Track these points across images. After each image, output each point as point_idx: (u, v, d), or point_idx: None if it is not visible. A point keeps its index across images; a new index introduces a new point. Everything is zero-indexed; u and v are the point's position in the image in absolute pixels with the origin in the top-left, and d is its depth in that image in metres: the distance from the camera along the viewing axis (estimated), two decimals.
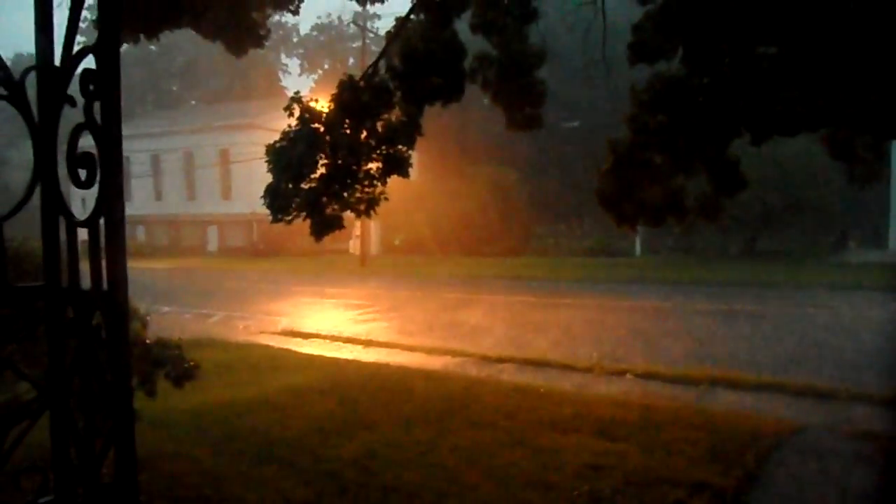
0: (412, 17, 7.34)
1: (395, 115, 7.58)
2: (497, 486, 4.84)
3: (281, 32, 52.66)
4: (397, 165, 7.67)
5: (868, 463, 5.52)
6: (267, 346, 11.50)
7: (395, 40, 7.48)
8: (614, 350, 10.38)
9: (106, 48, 1.35)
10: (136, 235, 41.73)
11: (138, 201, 42.75)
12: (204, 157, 39.22)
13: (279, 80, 55.35)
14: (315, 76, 55.52)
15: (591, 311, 15.25)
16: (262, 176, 8.09)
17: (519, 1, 7.52)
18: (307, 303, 18.18)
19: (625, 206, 8.73)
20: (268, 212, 7.85)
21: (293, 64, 58.83)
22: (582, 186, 27.71)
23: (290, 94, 7.91)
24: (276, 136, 7.65)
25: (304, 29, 57.31)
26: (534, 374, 9.07)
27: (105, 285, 1.38)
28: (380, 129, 7.51)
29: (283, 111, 7.75)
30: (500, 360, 9.84)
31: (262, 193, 7.80)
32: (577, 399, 7.34)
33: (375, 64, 7.60)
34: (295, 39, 56.99)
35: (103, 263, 1.36)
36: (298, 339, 12.30)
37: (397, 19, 7.65)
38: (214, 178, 39.43)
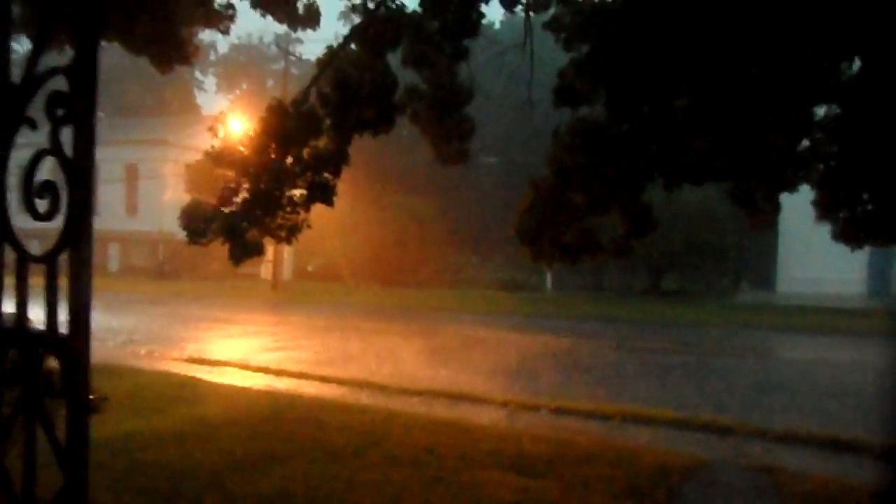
0: (346, 46, 7.35)
1: (322, 142, 7.51)
2: None
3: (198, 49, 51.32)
4: (322, 193, 7.58)
5: (766, 495, 5.82)
6: (172, 374, 10.95)
7: (326, 68, 7.45)
8: (527, 384, 10.54)
9: (82, 69, 1.26)
10: (32, 250, 39.07)
11: (28, 215, 40.04)
12: (108, 172, 37.42)
13: (194, 98, 53.79)
14: (231, 96, 54.34)
15: (502, 344, 15.45)
16: (172, 194, 7.82)
17: (451, 39, 7.68)
18: (215, 329, 17.49)
19: (542, 243, 8.96)
20: (175, 231, 7.55)
21: (209, 82, 57.36)
22: (498, 221, 28.31)
23: (205, 111, 7.75)
24: (188, 154, 7.43)
25: (223, 48, 56.15)
26: (449, 407, 9.06)
27: (63, 329, 1.28)
28: (306, 156, 7.42)
29: (196, 129, 7.57)
30: (415, 393, 9.78)
31: (170, 212, 7.51)
32: (494, 434, 7.38)
33: (307, 91, 7.53)
34: (213, 57, 55.70)
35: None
36: (206, 367, 11.79)
37: (329, 47, 7.65)
38: (119, 194, 37.63)
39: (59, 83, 1.27)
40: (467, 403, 9.22)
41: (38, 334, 1.31)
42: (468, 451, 6.57)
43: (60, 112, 1.27)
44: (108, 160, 38.30)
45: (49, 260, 1.28)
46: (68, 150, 1.28)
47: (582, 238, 8.85)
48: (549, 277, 31.23)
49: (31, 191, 1.26)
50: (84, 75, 1.27)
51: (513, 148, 30.18)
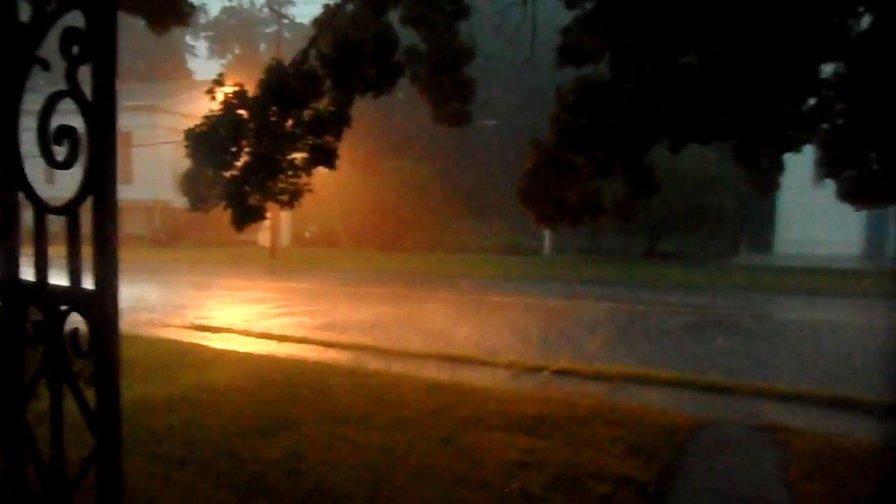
0: (345, 6, 7.17)
1: (323, 104, 7.39)
2: (428, 485, 4.80)
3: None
4: (324, 157, 7.49)
5: (771, 452, 5.88)
6: (175, 341, 10.97)
7: (326, 28, 7.28)
8: (529, 346, 10.59)
9: (100, 1, 1.17)
10: (25, 219, 38.95)
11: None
12: None
13: (186, 63, 52.98)
14: (224, 60, 53.50)
15: (503, 307, 15.50)
16: (167, 161, 7.73)
17: None
18: (215, 295, 17.50)
19: (545, 205, 8.90)
20: (171, 198, 7.51)
21: (201, 46, 56.42)
22: (497, 185, 28.19)
23: (197, 77, 7.58)
24: (183, 120, 7.30)
25: (214, 11, 55.12)
26: (453, 370, 9.10)
27: (82, 284, 1.22)
28: (307, 119, 7.30)
29: (189, 94, 7.46)
30: (419, 357, 9.82)
31: (166, 179, 7.46)
32: (498, 396, 7.41)
33: (306, 51, 7.37)
34: (203, 21, 54.73)
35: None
36: (208, 334, 11.81)
37: (326, 6, 7.46)
38: None
39: (73, 19, 1.18)
40: (471, 366, 9.26)
41: (60, 291, 1.25)
42: (473, 413, 6.60)
43: (77, 50, 1.19)
44: None
45: (70, 211, 1.22)
46: (87, 92, 1.20)
47: (585, 200, 8.79)
48: (547, 241, 31.24)
49: (47, 137, 1.19)
50: (103, 6, 1.18)
51: (513, 110, 29.87)
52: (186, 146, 7.14)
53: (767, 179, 9.73)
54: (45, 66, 1.22)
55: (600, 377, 8.52)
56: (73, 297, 1.24)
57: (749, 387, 8.00)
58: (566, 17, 8.14)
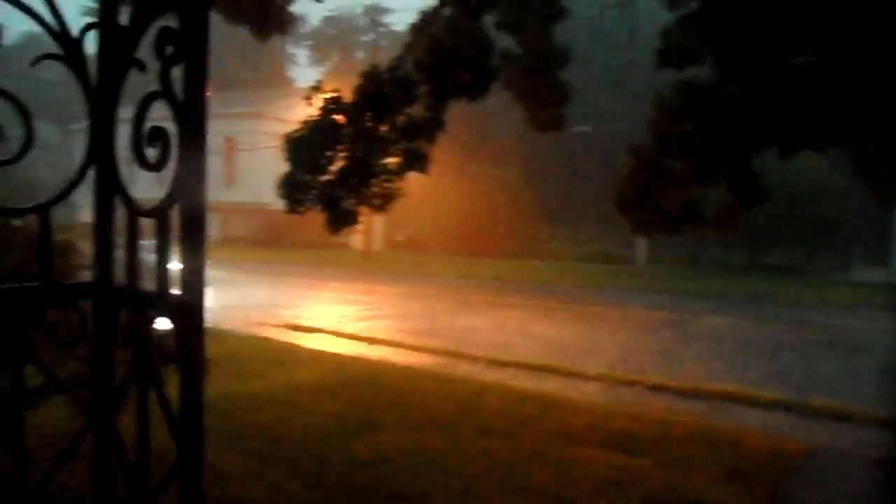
0: (441, 11, 7.18)
1: (417, 109, 7.41)
2: (514, 498, 4.67)
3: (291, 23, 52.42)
4: (417, 161, 7.51)
5: (884, 490, 5.37)
6: (269, 339, 11.33)
7: (421, 34, 7.31)
8: (623, 359, 10.23)
9: (194, 1, 1.16)
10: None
11: (141, 185, 42.38)
12: (210, 145, 39.05)
13: (287, 71, 55.12)
14: (323, 68, 55.28)
15: (597, 317, 15.08)
16: (268, 165, 7.94)
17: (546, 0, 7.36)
18: (309, 296, 17.99)
19: (642, 213, 8.58)
20: (270, 201, 7.70)
21: (301, 55, 58.55)
22: (590, 192, 27.65)
23: (297, 84, 7.75)
24: (283, 126, 7.48)
25: (314, 21, 57.00)
26: (542, 380, 8.91)
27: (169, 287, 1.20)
28: (401, 124, 7.34)
29: (289, 101, 7.62)
30: (508, 364, 9.68)
31: (266, 182, 7.66)
32: (589, 409, 7.18)
33: (401, 56, 7.43)
34: (304, 31, 56.81)
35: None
36: (301, 333, 12.14)
37: (423, 12, 7.49)
38: (219, 166, 39.24)
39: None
40: (561, 377, 9.04)
41: (149, 294, 1.24)
42: (563, 426, 6.41)
43: (171, 50, 1.18)
44: (210, 133, 39.98)
45: (160, 214, 1.20)
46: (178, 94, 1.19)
47: (684, 208, 8.40)
48: (641, 250, 30.29)
49: (141, 138, 1.18)
50: (196, 7, 1.17)
51: (610, 116, 29.21)
52: (285, 150, 7.35)
53: (888, 189, 9.00)
54: (142, 67, 1.21)
55: (699, 395, 8.10)
56: (162, 302, 1.22)
57: (865, 414, 7.37)
58: (666, 18, 7.82)
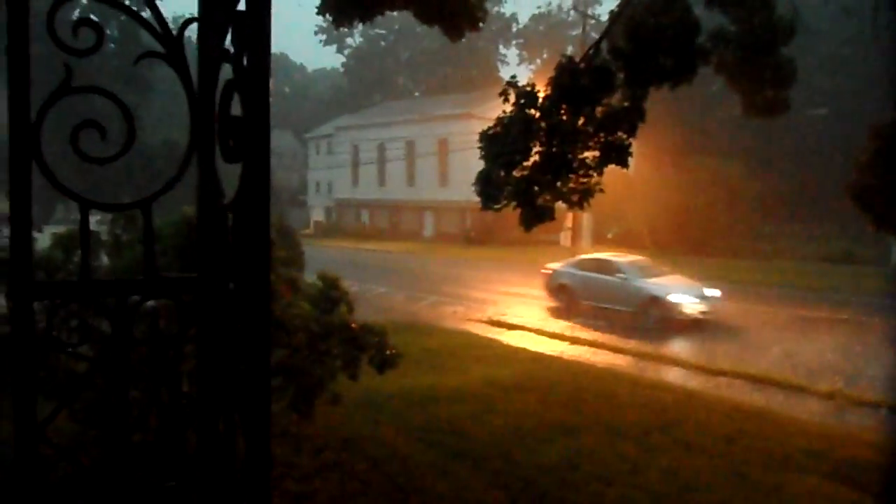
0: None
1: (615, 99, 7.03)
2: None
3: (499, 24, 53.25)
4: (616, 154, 7.11)
5: None
6: (472, 334, 11.54)
7: (618, 20, 6.92)
8: (865, 376, 8.82)
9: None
10: (361, 219, 45.17)
11: (364, 187, 46.12)
12: (423, 146, 41.06)
13: (497, 71, 56.18)
14: (533, 66, 55.50)
15: (833, 325, 13.26)
16: (477, 164, 8.00)
17: None
18: (514, 293, 18.07)
19: (886, 206, 7.34)
20: (480, 200, 7.75)
21: (511, 55, 59.34)
22: (824, 182, 24.59)
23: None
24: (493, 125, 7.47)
25: (523, 19, 57.46)
26: (758, 393, 8.02)
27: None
28: (598, 115, 7.01)
29: (499, 100, 7.55)
30: (719, 373, 8.86)
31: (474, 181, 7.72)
32: (813, 430, 6.29)
33: (597, 45, 7.09)
34: (514, 30, 57.38)
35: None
36: (503, 330, 12.20)
37: None
38: (432, 166, 41.08)
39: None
40: (782, 391, 8.06)
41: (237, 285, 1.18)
42: (777, 448, 5.68)
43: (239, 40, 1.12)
44: (423, 135, 42.10)
45: (238, 206, 1.12)
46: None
47: None
48: (893, 250, 26.27)
49: (226, 127, 1.14)
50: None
51: (848, 96, 25.73)
52: (480, 147, 7.38)
53: None
54: (228, 57, 1.18)
55: None
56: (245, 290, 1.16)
57: None
58: None
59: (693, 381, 8.49)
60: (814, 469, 5.19)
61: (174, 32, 1.17)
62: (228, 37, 1.21)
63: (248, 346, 1.16)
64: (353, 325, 4.88)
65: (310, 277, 5.59)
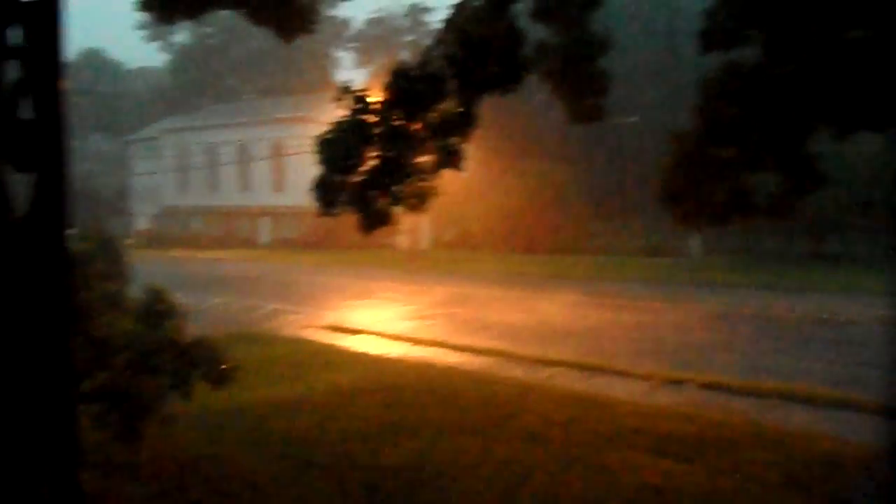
0: (471, 2, 6.97)
1: (449, 105, 7.21)
2: None
3: (334, 27, 52.78)
4: (451, 159, 7.29)
5: None
6: (313, 342, 11.34)
7: (450, 27, 7.12)
8: (675, 356, 9.79)
9: None
10: (192, 226, 42.66)
11: (194, 193, 43.73)
12: (258, 150, 39.71)
13: (333, 75, 55.68)
14: (368, 70, 55.67)
15: (649, 313, 14.56)
16: (314, 169, 7.85)
17: None
18: (355, 297, 17.98)
19: (688, 204, 8.19)
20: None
21: (348, 58, 59.00)
22: (636, 184, 27.03)
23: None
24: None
25: (358, 24, 57.34)
26: (587, 380, 8.62)
27: None
28: (433, 121, 7.16)
29: (335, 104, 7.46)
30: (552, 363, 9.41)
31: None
32: (635, 410, 6.88)
33: (430, 51, 7.25)
34: (350, 33, 57.19)
35: None
36: (345, 335, 12.10)
37: (454, 6, 7.29)
38: (268, 171, 39.88)
39: None
40: (607, 376, 8.72)
41: None
42: (607, 429, 6.15)
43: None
44: (257, 139, 40.74)
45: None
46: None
47: (733, 197, 7.96)
48: (694, 242, 29.39)
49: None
50: None
51: (655, 106, 28.43)
52: (316, 152, 7.25)
53: None
54: (16, 54, 1.07)
55: (753, 393, 7.68)
56: None
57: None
58: (706, 1, 7.44)
59: (529, 373, 8.93)
60: (634, 444, 5.70)
61: None
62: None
63: (45, 377, 1.05)
64: (182, 339, 4.60)
65: (137, 291, 5.23)
